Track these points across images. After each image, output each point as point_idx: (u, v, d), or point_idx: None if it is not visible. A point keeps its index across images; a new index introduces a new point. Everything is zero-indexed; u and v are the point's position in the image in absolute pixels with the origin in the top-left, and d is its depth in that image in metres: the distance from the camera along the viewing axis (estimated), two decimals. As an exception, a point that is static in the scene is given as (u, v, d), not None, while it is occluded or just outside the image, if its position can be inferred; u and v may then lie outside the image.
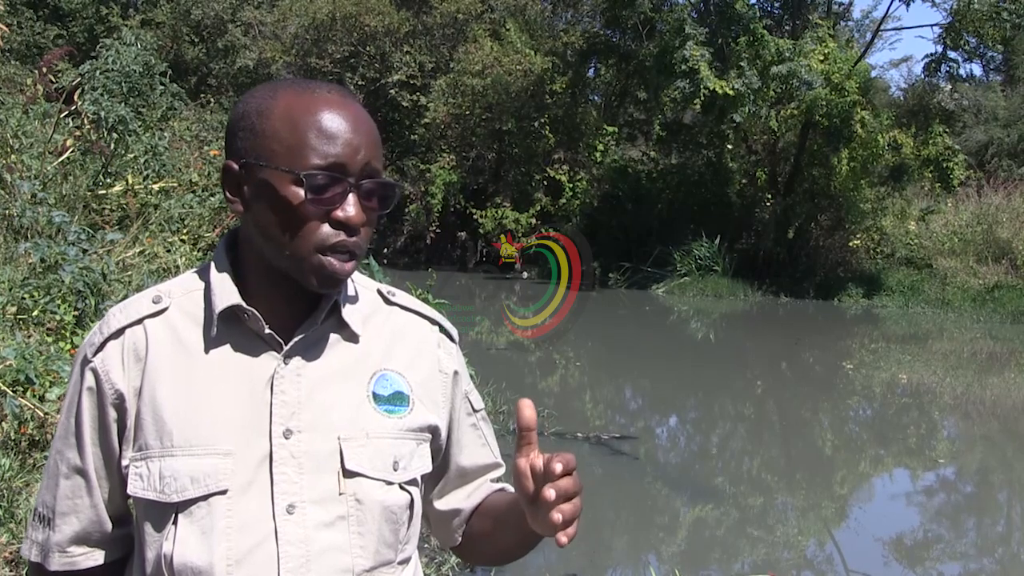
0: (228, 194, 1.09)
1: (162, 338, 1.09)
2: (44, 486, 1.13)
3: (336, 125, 1.04)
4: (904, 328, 14.69)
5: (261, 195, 1.06)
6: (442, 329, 1.23)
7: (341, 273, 1.06)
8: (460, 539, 1.27)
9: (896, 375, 10.73)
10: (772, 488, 6.45)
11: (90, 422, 1.09)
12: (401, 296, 1.23)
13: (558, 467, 0.98)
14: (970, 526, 6.02)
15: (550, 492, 0.98)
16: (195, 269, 1.16)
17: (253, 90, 1.11)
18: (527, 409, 1.02)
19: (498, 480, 1.29)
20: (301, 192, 1.03)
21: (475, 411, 1.25)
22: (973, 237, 17.76)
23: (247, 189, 1.07)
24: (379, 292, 1.21)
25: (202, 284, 1.12)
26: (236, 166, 1.07)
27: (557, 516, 0.98)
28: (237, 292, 1.09)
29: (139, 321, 1.10)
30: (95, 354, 1.09)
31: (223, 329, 1.08)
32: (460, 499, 1.25)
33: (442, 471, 1.23)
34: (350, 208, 1.05)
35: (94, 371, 1.08)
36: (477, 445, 1.25)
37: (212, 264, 1.12)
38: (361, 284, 1.20)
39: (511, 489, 1.26)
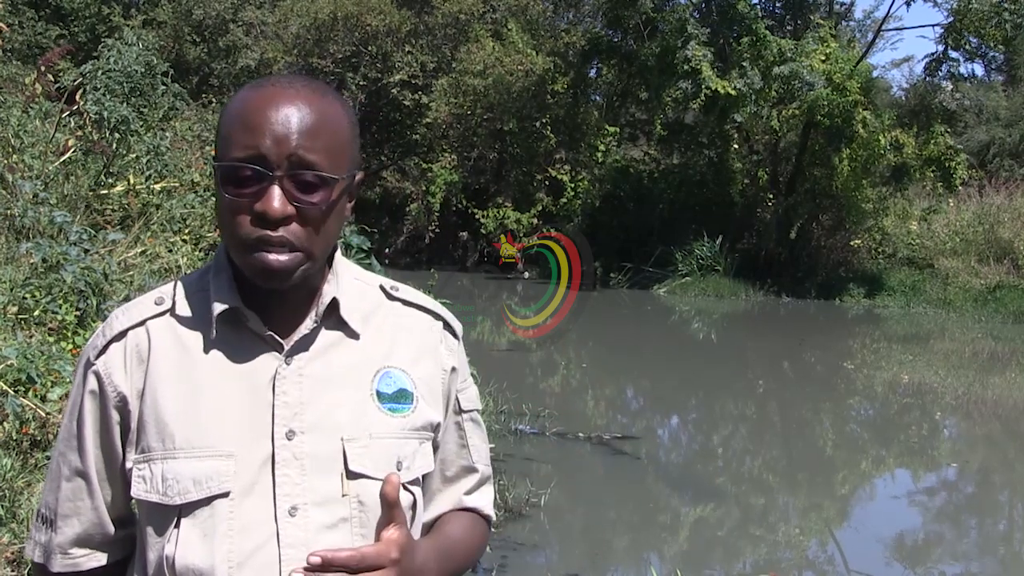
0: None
1: (164, 340, 1.08)
2: (47, 488, 1.13)
3: (261, 116, 1.01)
4: (906, 328, 14.68)
5: (215, 194, 1.08)
6: (445, 324, 1.21)
7: (276, 267, 1.01)
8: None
9: (898, 375, 10.72)
10: (774, 488, 6.45)
11: (92, 425, 1.08)
12: (404, 291, 1.20)
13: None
14: (971, 526, 6.02)
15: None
16: (199, 270, 1.15)
17: None
18: (388, 486, 1.02)
19: (477, 487, 1.24)
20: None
21: (462, 411, 1.21)
22: (975, 237, 17.74)
23: None
24: (381, 287, 1.19)
25: (204, 285, 1.11)
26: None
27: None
28: (236, 293, 1.08)
29: (142, 323, 1.09)
30: (97, 357, 1.08)
31: (223, 330, 1.07)
32: (426, 502, 1.20)
33: None
34: (268, 200, 1.00)
35: (96, 374, 1.08)
36: (455, 443, 1.22)
37: (213, 265, 1.12)
38: (363, 280, 1.18)
39: (482, 509, 1.24)
